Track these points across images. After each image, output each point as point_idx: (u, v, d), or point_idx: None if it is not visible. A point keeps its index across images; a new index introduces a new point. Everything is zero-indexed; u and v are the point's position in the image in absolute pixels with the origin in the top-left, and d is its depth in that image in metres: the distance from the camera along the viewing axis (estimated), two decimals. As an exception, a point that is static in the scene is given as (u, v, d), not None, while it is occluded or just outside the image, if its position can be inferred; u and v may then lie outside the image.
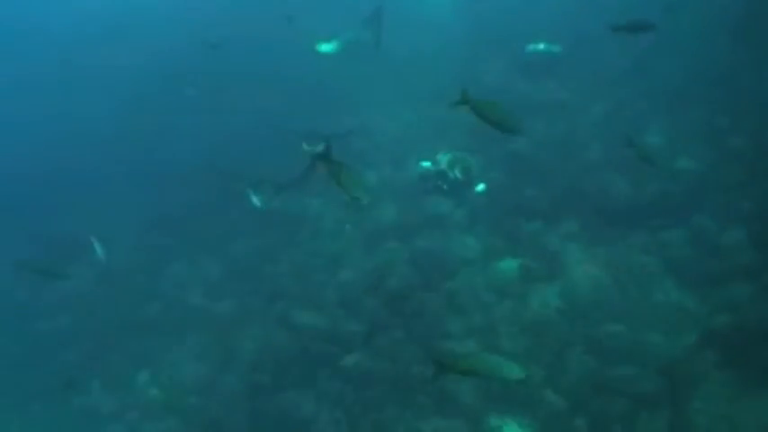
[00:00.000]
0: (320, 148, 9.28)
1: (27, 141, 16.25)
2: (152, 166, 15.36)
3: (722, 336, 7.72)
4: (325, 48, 12.24)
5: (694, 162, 9.96)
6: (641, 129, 10.98)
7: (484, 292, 9.80)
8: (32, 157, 15.58)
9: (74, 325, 11.42)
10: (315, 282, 10.56)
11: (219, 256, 12.05)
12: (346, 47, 12.39)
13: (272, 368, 9.53)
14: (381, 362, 9.23)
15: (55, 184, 14.76)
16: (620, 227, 9.88)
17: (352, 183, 6.03)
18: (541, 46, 13.36)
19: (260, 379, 9.50)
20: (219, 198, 13.78)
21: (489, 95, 13.77)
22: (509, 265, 10.14)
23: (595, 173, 10.62)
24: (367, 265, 10.63)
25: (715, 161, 9.85)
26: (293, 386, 9.24)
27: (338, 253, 11.06)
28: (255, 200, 9.72)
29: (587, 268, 9.57)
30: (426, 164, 9.50)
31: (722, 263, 8.66)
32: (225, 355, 10.10)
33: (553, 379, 8.44)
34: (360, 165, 12.67)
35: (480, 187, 9.16)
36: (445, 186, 8.82)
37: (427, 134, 13.68)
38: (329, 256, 11.03)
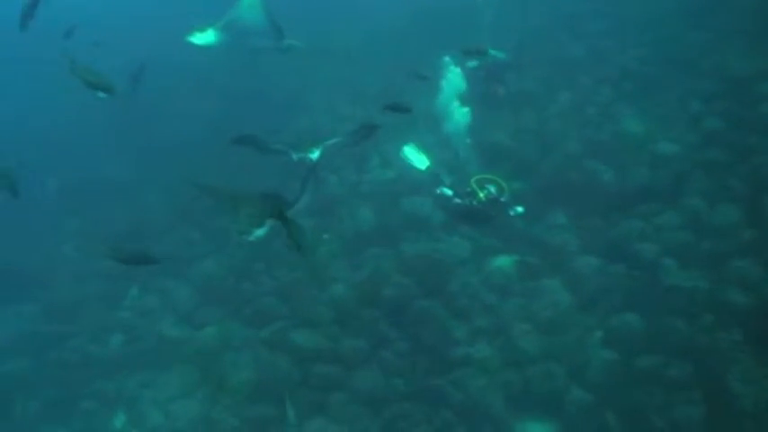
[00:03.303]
0: (315, 155, 8.59)
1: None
2: (89, 181, 13.96)
3: (743, 314, 7.81)
4: (200, 39, 10.80)
5: (675, 146, 10.08)
6: (615, 115, 11.04)
7: (485, 293, 9.51)
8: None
9: (33, 368, 10.04)
10: (302, 298, 9.82)
11: (186, 279, 10.99)
12: (228, 37, 11.06)
13: (274, 398, 8.74)
14: (393, 378, 8.74)
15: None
16: (612, 215, 9.86)
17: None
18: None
19: (262, 411, 8.70)
20: (170, 214, 12.71)
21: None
22: (505, 261, 9.88)
23: (578, 162, 10.56)
24: (356, 276, 10.04)
25: (696, 143, 10.01)
26: (302, 416, 8.51)
27: (321, 264, 10.36)
28: None
29: (587, 259, 9.50)
30: (447, 191, 9.00)
31: (722, 242, 8.78)
32: (215, 389, 9.15)
33: (577, 375, 8.29)
34: (322, 170, 12.00)
35: (519, 209, 8.79)
36: (477, 204, 8.42)
37: (387, 131, 13.17)
38: (312, 268, 10.31)
